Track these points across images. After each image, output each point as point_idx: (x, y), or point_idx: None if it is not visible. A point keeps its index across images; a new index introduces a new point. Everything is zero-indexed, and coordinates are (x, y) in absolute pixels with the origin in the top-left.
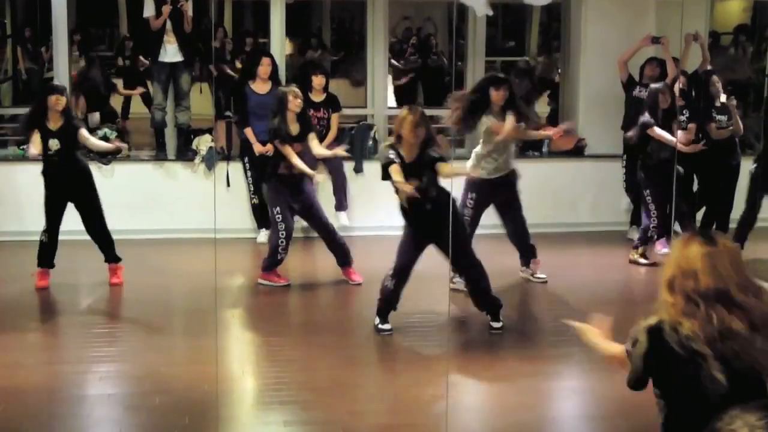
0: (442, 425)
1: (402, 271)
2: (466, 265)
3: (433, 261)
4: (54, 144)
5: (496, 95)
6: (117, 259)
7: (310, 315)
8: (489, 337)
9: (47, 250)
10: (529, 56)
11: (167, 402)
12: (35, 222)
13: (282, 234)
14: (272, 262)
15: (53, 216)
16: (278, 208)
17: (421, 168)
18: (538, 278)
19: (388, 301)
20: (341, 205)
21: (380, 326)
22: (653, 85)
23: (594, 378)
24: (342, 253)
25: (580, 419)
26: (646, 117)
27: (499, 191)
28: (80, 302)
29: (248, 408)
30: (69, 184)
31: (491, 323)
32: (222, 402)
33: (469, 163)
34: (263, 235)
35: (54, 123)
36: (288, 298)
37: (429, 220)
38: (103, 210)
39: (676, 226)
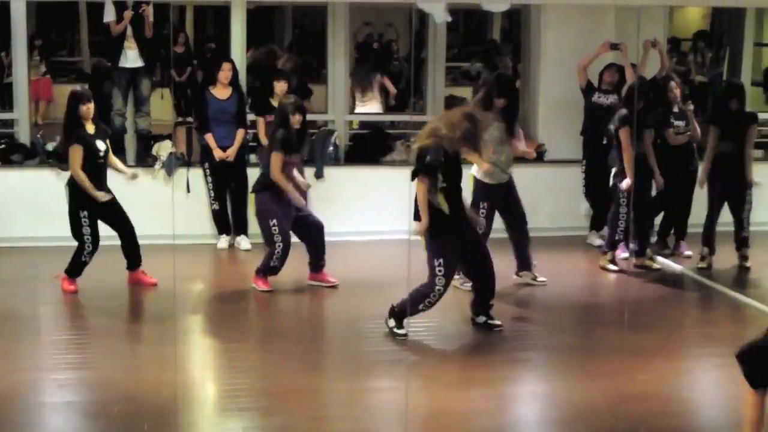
0: (402, 431)
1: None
2: (485, 265)
3: (392, 267)
4: (102, 145)
5: (498, 101)
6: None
7: (270, 321)
8: (448, 343)
9: (84, 265)
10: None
11: (126, 409)
12: (5, 229)
13: (279, 246)
14: (265, 268)
15: (96, 229)
16: (275, 221)
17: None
18: (540, 281)
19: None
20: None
21: (396, 330)
22: (630, 84)
23: (553, 382)
24: (321, 257)
25: (539, 424)
26: (623, 112)
27: (501, 194)
28: (39, 309)
29: (208, 414)
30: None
31: (490, 322)
32: (181, 409)
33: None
34: (224, 241)
35: (90, 128)
36: (248, 304)
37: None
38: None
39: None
